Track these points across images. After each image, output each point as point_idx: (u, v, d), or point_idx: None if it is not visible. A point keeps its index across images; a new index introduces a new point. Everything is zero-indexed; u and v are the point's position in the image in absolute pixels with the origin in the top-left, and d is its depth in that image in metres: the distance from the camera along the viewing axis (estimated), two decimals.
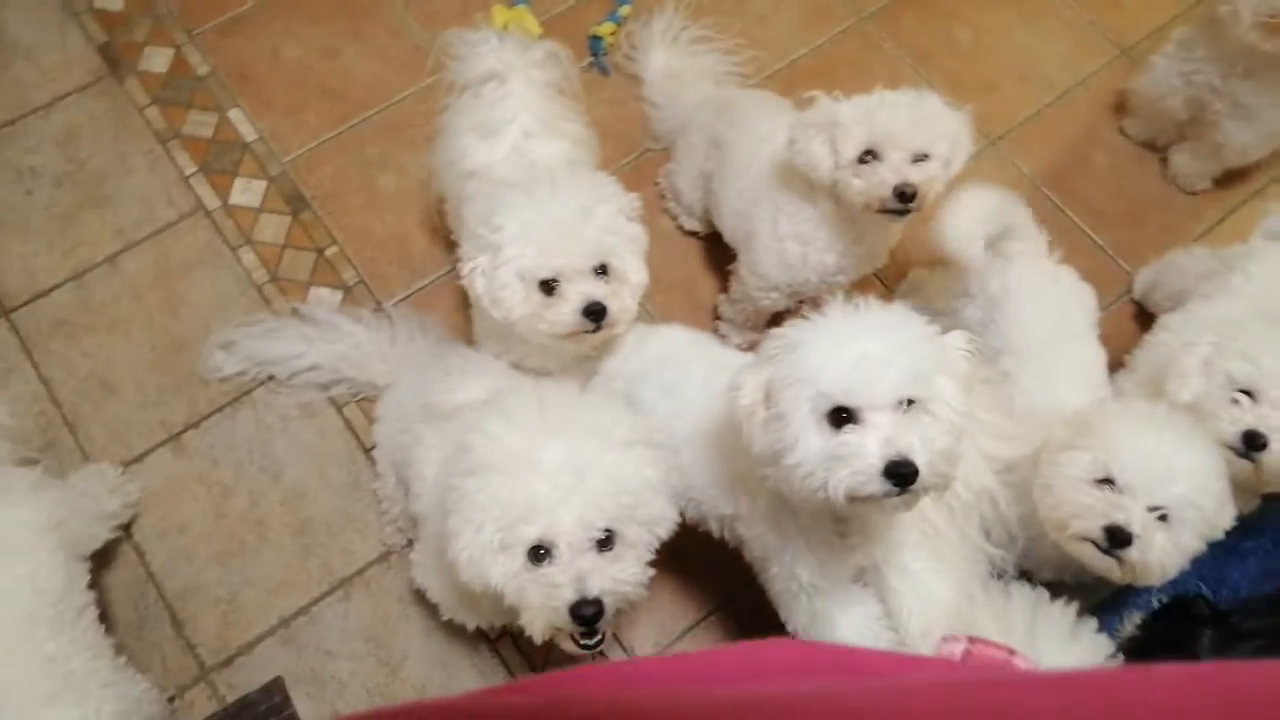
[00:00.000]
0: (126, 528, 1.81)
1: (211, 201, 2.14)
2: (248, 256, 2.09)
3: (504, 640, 1.77)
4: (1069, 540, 1.33)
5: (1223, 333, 1.49)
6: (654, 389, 1.50)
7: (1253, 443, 1.40)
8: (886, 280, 2.11)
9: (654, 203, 2.16)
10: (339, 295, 2.06)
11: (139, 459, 1.89)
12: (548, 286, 1.42)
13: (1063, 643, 1.19)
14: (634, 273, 1.47)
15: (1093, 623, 1.25)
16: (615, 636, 1.78)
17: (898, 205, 1.53)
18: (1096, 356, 1.65)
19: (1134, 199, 2.25)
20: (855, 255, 1.70)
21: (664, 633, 1.79)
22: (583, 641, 1.22)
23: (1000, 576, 1.51)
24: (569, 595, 1.13)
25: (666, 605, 1.80)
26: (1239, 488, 1.37)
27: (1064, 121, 2.35)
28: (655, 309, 2.05)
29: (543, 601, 1.15)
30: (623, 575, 1.17)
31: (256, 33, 2.34)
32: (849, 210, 1.61)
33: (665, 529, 1.25)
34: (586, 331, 1.44)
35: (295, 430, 1.92)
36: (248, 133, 2.23)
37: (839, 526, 1.29)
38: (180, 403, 1.94)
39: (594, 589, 1.13)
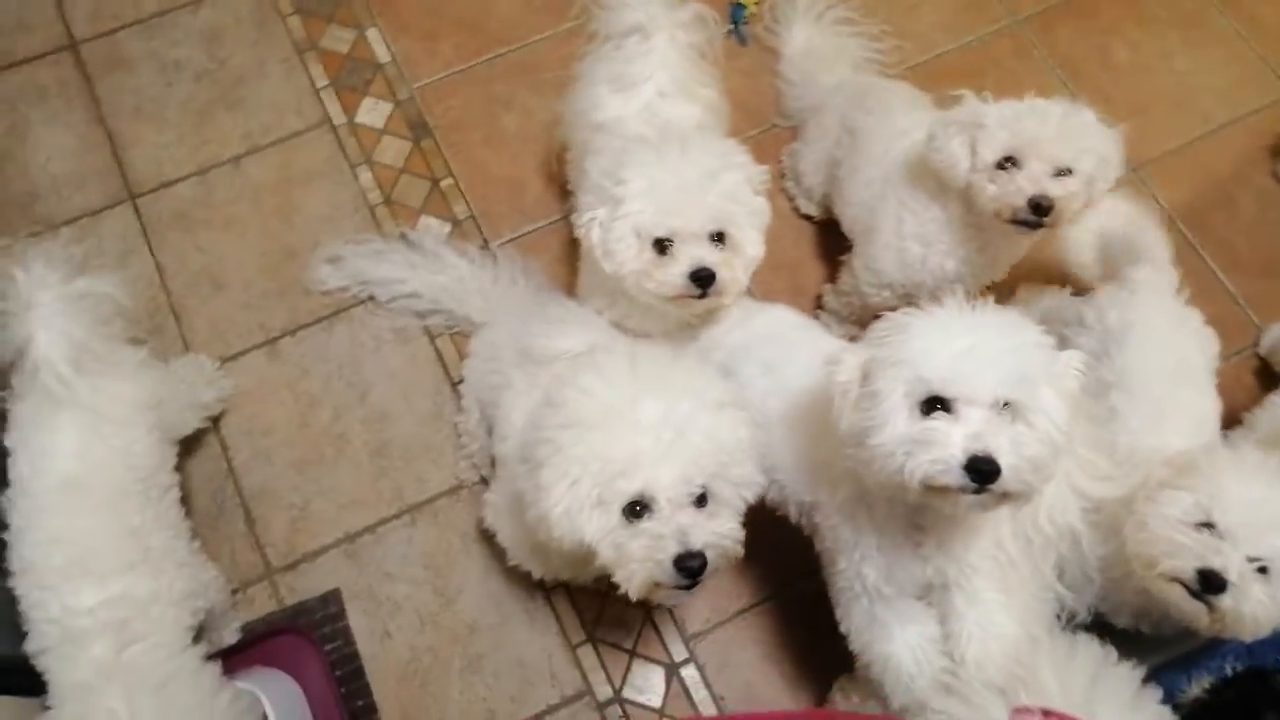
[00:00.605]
0: (215, 420, 1.86)
1: (338, 117, 2.18)
2: (365, 176, 2.12)
3: (558, 591, 1.78)
4: (1157, 580, 1.27)
5: None
6: (754, 365, 1.48)
7: None
8: (997, 295, 2.03)
9: (773, 180, 2.12)
10: (448, 227, 2.08)
11: (234, 357, 1.94)
12: (661, 245, 1.40)
13: (1123, 709, 1.12)
14: (750, 245, 1.45)
15: (1158, 693, 1.18)
16: (670, 611, 1.77)
17: (1030, 217, 1.47)
18: (1213, 407, 1.56)
19: (1276, 249, 2.13)
20: (976, 264, 1.65)
21: (717, 612, 1.78)
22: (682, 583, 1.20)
23: (1071, 619, 1.46)
24: (673, 548, 1.13)
25: (724, 584, 1.79)
26: None
27: (1213, 157, 2.23)
28: (757, 287, 2.01)
29: (646, 555, 1.14)
30: (722, 530, 1.16)
31: None
32: (978, 217, 1.55)
33: (754, 493, 1.24)
34: (692, 296, 1.42)
35: (387, 353, 1.95)
36: (382, 54, 2.25)
37: (915, 535, 1.26)
38: (281, 309, 1.99)
39: (698, 542, 1.13)
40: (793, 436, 1.39)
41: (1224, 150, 2.24)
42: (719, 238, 1.42)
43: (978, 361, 1.06)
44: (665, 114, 1.64)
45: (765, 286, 2.01)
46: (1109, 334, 1.61)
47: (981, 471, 1.04)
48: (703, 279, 1.40)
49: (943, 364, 1.07)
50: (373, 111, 2.19)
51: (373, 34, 2.27)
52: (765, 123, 2.20)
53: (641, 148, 1.44)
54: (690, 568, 1.14)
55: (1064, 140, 1.45)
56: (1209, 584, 1.20)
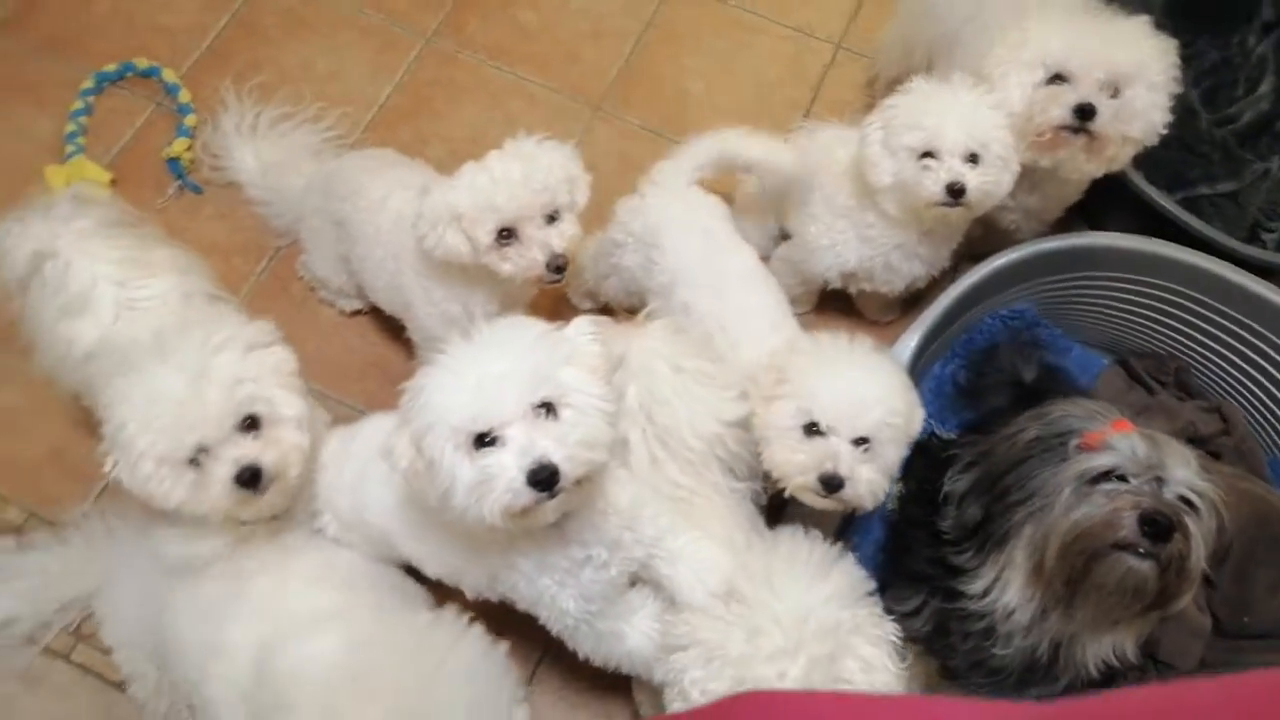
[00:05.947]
0: None
1: None
2: None
3: None
4: (797, 490, 1.41)
5: None
6: (375, 485, 1.43)
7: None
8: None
9: (308, 296, 2.06)
10: (11, 540, 1.78)
11: None
12: (195, 462, 1.31)
13: (812, 580, 1.24)
14: (287, 406, 1.38)
15: (847, 558, 1.31)
16: None
17: (554, 276, 1.54)
18: (750, 257, 1.70)
19: None
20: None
21: None
22: None
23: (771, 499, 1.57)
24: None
25: None
26: None
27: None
28: (359, 399, 1.96)
29: None
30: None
31: None
32: (506, 284, 1.61)
33: None
34: (244, 501, 1.36)
35: (25, 708, 1.67)
36: None
37: (571, 551, 1.28)
38: None
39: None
40: (425, 533, 1.38)
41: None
42: (251, 423, 1.36)
43: (493, 384, 1.09)
44: (142, 298, 1.53)
45: (365, 395, 1.97)
46: (641, 240, 1.71)
47: (543, 480, 1.08)
48: (249, 480, 1.33)
49: (464, 403, 1.09)
50: None
51: None
52: (268, 251, 2.12)
53: (121, 375, 1.33)
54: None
55: (539, 195, 1.50)
56: (830, 486, 1.36)
